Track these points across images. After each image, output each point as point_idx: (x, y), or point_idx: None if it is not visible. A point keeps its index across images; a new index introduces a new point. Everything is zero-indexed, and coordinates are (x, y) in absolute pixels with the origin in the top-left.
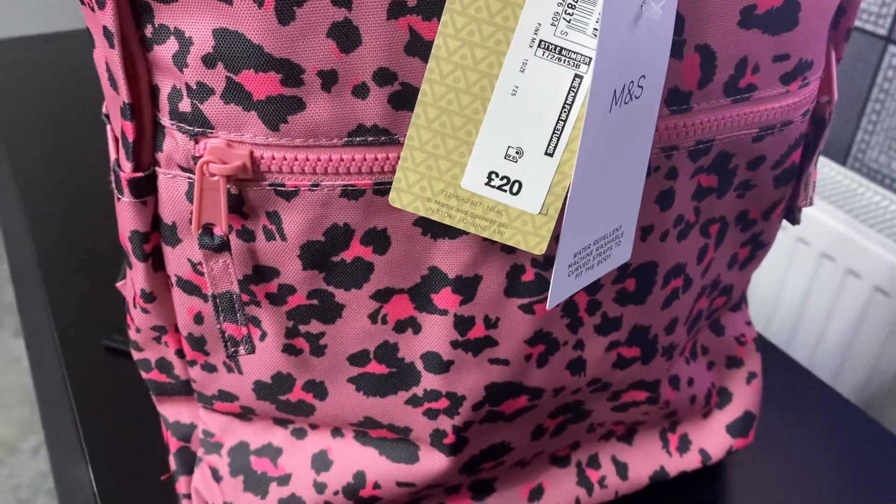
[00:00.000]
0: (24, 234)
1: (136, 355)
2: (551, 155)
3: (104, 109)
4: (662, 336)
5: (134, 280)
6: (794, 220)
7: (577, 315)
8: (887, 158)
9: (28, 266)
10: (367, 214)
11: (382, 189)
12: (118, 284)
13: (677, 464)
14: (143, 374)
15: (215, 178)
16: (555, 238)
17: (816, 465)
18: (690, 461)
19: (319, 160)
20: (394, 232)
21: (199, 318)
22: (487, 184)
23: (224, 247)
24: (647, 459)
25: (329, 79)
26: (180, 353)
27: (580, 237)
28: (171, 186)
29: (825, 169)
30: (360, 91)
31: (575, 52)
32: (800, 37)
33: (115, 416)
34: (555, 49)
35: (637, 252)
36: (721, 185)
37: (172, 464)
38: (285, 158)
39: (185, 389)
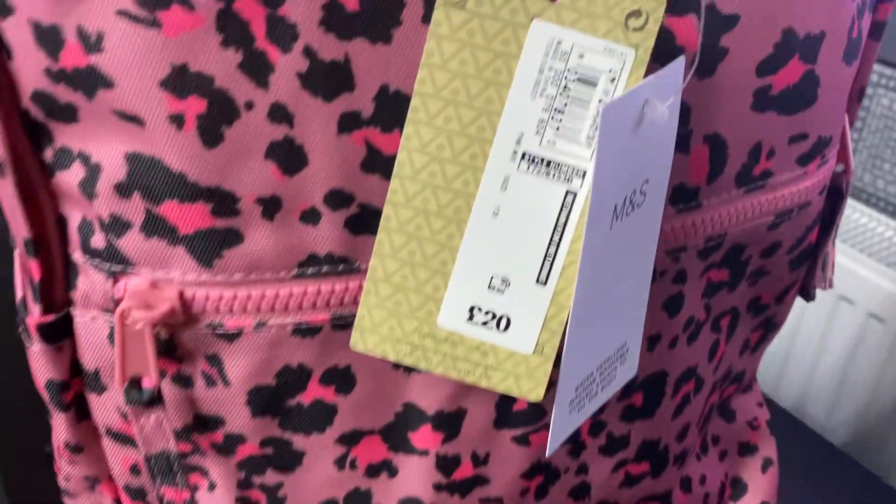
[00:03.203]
0: None
1: (68, 502)
2: (544, 284)
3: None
4: (674, 445)
5: (56, 430)
6: (809, 297)
7: (580, 439)
8: (871, 177)
9: None
10: (326, 352)
11: (343, 323)
12: None
13: None
14: None
15: (139, 325)
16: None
17: None
18: None
19: (264, 297)
20: (359, 369)
21: (135, 470)
22: (469, 320)
23: (155, 401)
24: None
25: (271, 206)
26: (119, 503)
27: (581, 370)
28: (90, 329)
29: None
30: (310, 217)
31: (566, 165)
32: (818, 113)
33: None
34: (541, 162)
35: (644, 364)
36: (733, 278)
37: None
38: (222, 297)
39: None
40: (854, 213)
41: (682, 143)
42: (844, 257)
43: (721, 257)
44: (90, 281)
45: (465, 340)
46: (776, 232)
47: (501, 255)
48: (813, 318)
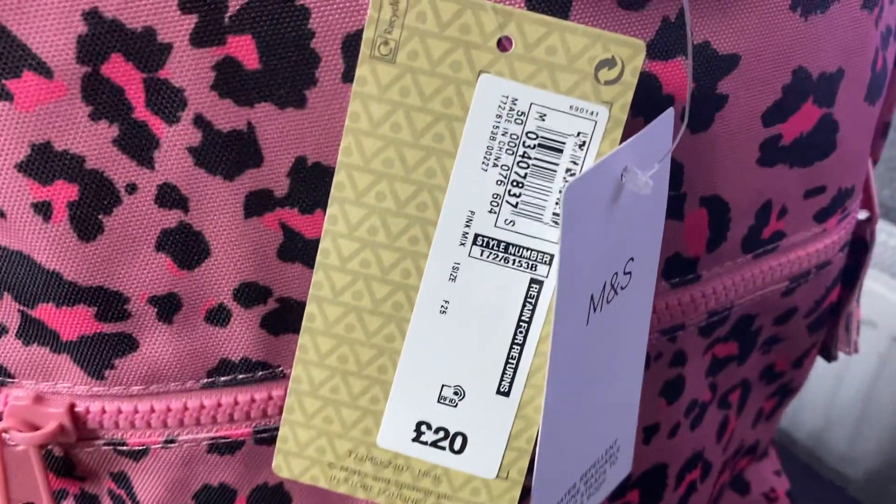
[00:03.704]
0: None
1: None
2: (506, 395)
3: None
4: None
5: None
6: (831, 358)
7: None
8: (890, 191)
9: None
10: (252, 470)
11: (269, 437)
12: None
13: None
14: None
15: (21, 448)
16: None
17: None
18: None
19: (170, 410)
20: (294, 487)
21: None
22: (416, 439)
23: None
24: None
25: (168, 306)
26: None
27: (560, 488)
28: None
29: None
30: (218, 316)
31: (528, 249)
32: (838, 162)
33: None
34: (497, 246)
35: (640, 458)
36: (742, 350)
37: None
38: (121, 411)
39: None
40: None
41: (675, 208)
42: (865, 277)
43: (728, 331)
44: None
45: (412, 464)
46: (791, 297)
47: (453, 360)
48: None
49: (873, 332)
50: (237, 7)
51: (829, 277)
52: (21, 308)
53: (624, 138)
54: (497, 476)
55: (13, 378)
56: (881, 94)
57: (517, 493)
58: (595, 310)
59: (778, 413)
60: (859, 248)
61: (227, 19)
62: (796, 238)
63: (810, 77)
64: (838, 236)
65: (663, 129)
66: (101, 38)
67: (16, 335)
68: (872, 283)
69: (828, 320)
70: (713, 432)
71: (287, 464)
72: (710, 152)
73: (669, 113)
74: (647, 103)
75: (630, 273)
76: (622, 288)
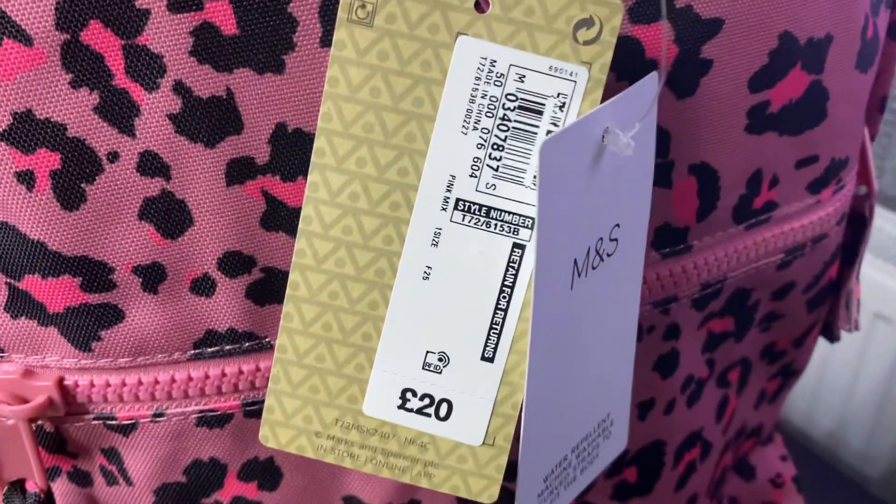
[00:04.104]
0: None
1: None
2: (490, 360)
3: None
4: None
5: None
6: (833, 338)
7: None
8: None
9: None
10: (241, 443)
11: (257, 410)
12: None
13: None
14: None
15: (11, 422)
16: (512, 464)
17: None
18: None
19: (158, 383)
20: (285, 460)
21: None
22: (402, 406)
23: None
24: None
25: (152, 276)
26: None
27: (549, 459)
28: None
29: None
30: (203, 286)
31: (510, 213)
32: (829, 131)
33: None
34: (479, 210)
35: (636, 435)
36: (739, 326)
37: None
38: (109, 384)
39: None
40: (886, 224)
41: (663, 176)
42: (878, 272)
43: (722, 305)
44: None
45: (399, 431)
46: (787, 271)
47: (436, 326)
48: (846, 340)
49: (889, 328)
50: None
51: (826, 252)
52: (8, 280)
53: (605, 100)
54: (483, 442)
55: (2, 352)
56: (873, 63)
57: (504, 460)
58: (580, 275)
59: (781, 395)
60: (858, 224)
61: None
62: (789, 209)
63: (797, 42)
64: (833, 208)
65: (646, 91)
66: (79, 5)
67: (3, 308)
68: (886, 278)
69: (828, 297)
70: (712, 411)
71: (274, 434)
72: (695, 119)
73: (652, 76)
74: (630, 67)
75: (616, 240)
76: (608, 255)
